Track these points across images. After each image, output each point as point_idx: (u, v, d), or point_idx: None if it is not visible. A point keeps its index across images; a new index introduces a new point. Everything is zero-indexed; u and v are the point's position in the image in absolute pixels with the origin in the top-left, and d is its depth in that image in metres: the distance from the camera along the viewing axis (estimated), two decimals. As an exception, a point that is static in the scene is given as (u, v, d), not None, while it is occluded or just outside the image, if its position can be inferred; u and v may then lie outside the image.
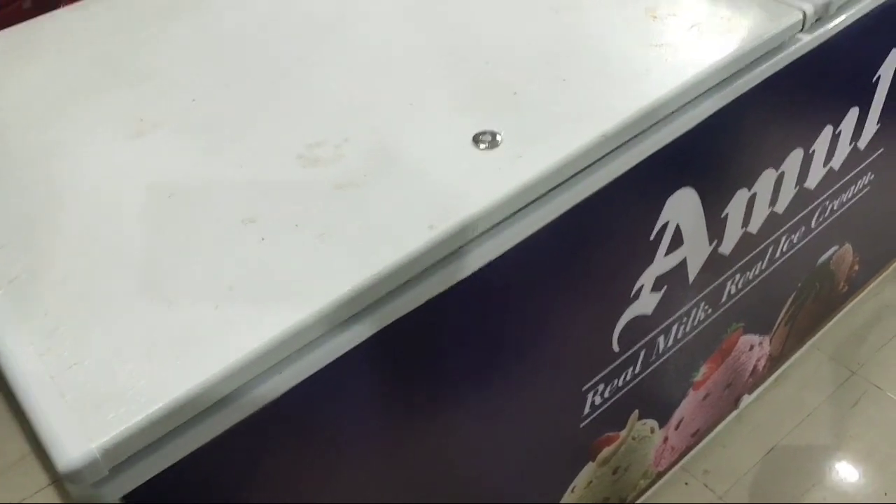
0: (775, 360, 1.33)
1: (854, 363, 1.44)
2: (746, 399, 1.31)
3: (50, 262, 0.57)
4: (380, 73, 0.71)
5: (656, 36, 0.74)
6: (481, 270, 0.62)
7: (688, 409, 1.14)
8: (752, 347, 1.19)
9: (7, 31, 0.81)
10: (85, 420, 0.47)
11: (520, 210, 0.62)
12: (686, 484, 1.29)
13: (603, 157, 0.66)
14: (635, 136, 0.68)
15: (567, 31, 0.75)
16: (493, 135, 0.64)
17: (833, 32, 0.83)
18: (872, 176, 1.16)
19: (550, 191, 0.63)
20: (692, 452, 1.27)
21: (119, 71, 0.75)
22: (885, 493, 1.27)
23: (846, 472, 1.30)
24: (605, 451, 1.01)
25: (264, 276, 0.54)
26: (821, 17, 0.80)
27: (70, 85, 0.74)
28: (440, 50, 0.74)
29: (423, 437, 0.73)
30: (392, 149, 0.64)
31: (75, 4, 0.84)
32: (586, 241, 0.72)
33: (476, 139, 0.64)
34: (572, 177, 0.64)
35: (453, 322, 0.65)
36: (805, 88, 0.87)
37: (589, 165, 0.65)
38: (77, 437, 0.46)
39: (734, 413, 1.31)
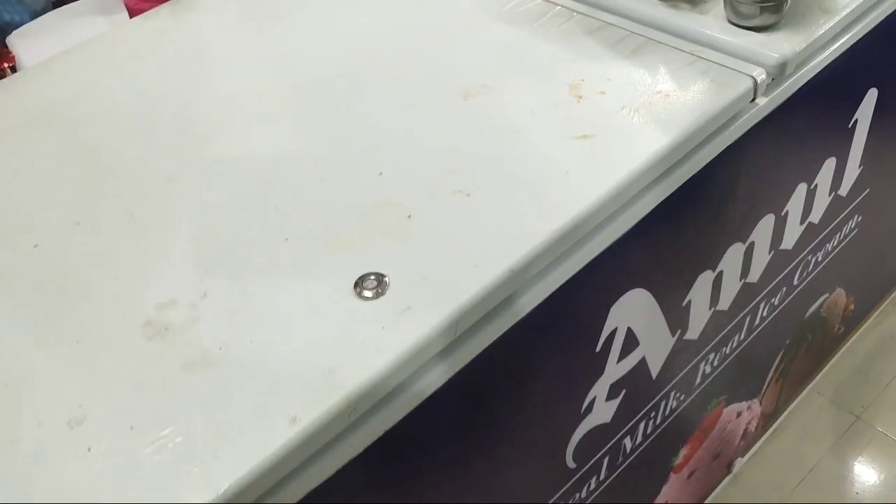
0: (769, 417, 1.22)
1: (857, 406, 1.33)
2: (740, 462, 1.20)
3: None
4: (252, 196, 0.60)
5: (580, 123, 0.63)
6: (377, 442, 0.51)
7: (671, 492, 1.03)
8: (739, 414, 1.08)
9: None
10: None
11: (415, 373, 0.51)
12: (680, 561, 1.18)
13: (513, 292, 0.55)
14: (555, 260, 0.57)
15: (476, 125, 0.64)
16: (381, 278, 0.53)
17: (794, 89, 0.72)
18: (860, 218, 1.05)
19: (452, 343, 0.52)
20: (684, 527, 1.16)
21: (-41, 208, 0.64)
22: (899, 557, 1.16)
23: (855, 536, 1.19)
24: (577, 561, 0.90)
25: (91, 490, 0.44)
26: (776, 78, 0.69)
27: None
28: (328, 159, 0.63)
29: None
30: (256, 306, 0.53)
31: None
32: (513, 371, 0.61)
33: (359, 285, 0.53)
34: (479, 320, 0.54)
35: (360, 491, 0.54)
36: (768, 154, 0.76)
37: (501, 302, 0.54)
38: None
39: (728, 478, 1.20)
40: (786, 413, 1.28)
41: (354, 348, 0.49)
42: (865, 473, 1.25)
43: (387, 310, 0.51)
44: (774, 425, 1.26)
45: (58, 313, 0.54)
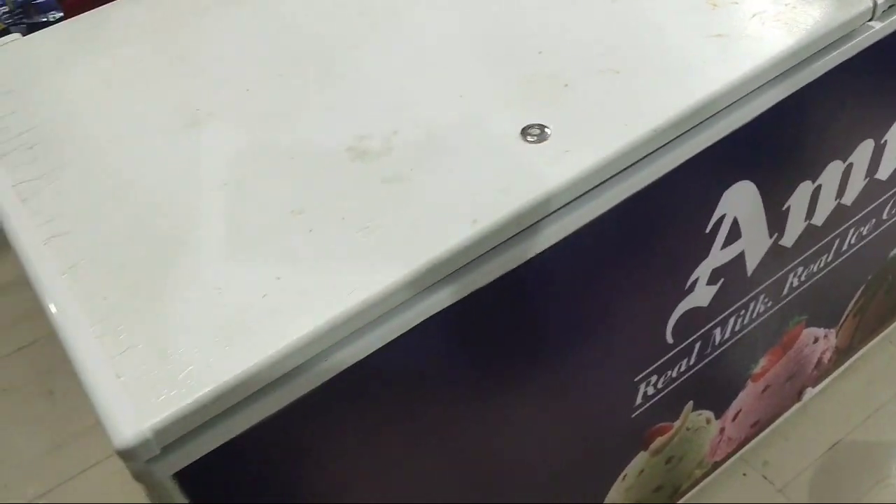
0: (842, 353, 1.30)
1: (928, 357, 1.40)
2: (810, 392, 1.28)
3: (108, 248, 0.59)
4: (431, 63, 0.72)
5: (715, 26, 0.72)
6: (530, 262, 0.62)
7: (746, 401, 1.12)
8: (816, 340, 1.16)
9: (74, 19, 0.84)
10: (138, 401, 0.49)
11: (567, 204, 0.62)
12: (744, 475, 1.28)
13: (654, 151, 0.65)
14: (689, 131, 0.67)
15: (622, 21, 0.74)
16: (542, 128, 0.64)
17: (908, 19, 0.80)
18: (952, 164, 1.11)
19: (600, 185, 0.63)
20: (751, 443, 1.26)
21: (179, 60, 0.77)
22: (955, 494, 1.23)
23: (914, 470, 1.26)
24: (658, 441, 1.00)
25: (311, 266, 0.56)
26: (894, 4, 0.77)
27: (132, 74, 0.76)
28: (493, 40, 0.74)
29: (476, 421, 0.74)
30: (440, 141, 0.64)
31: (143, -7, 0.87)
32: (638, 233, 0.71)
33: (525, 133, 0.64)
34: (623, 171, 0.64)
35: (498, 313, 0.65)
36: (876, 78, 0.84)
37: (640, 160, 0.65)
38: (131, 418, 0.49)
39: (797, 405, 1.29)
40: (858, 355, 1.36)
41: (522, 176, 0.60)
42: (930, 417, 1.32)
43: (549, 151, 0.62)
44: (846, 364, 1.34)
45: (270, 137, 0.67)
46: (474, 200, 0.59)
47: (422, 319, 0.58)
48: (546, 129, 0.64)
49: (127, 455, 0.49)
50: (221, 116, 0.70)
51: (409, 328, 0.57)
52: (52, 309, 0.56)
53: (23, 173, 0.68)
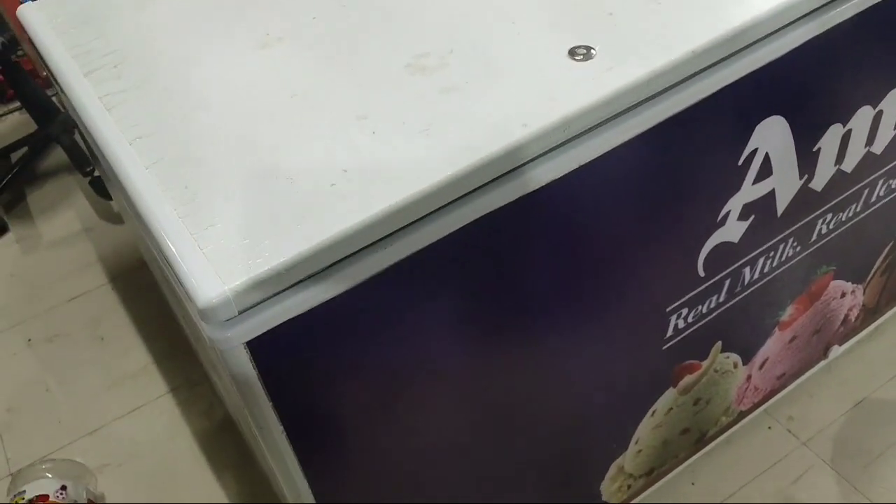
0: (870, 313, 1.33)
1: (955, 324, 1.42)
2: (837, 350, 1.32)
3: (188, 147, 0.65)
4: (484, -5, 0.77)
5: (753, -37, 0.77)
6: (574, 173, 0.67)
7: (773, 349, 1.16)
8: (843, 294, 1.20)
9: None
10: (219, 268, 0.55)
11: (610, 119, 0.66)
12: (769, 428, 1.31)
13: (692, 75, 0.70)
14: (726, 58, 0.71)
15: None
16: (588, 49, 0.69)
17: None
18: (983, 126, 1.14)
19: (640, 103, 0.68)
20: (777, 397, 1.29)
21: (250, -8, 0.83)
22: (978, 452, 1.26)
23: (937, 427, 1.29)
24: (687, 379, 1.04)
25: (374, 161, 0.61)
26: (925, -50, 0.81)
27: (207, 6, 0.82)
28: (543, -25, 0.79)
29: (508, 344, 0.79)
30: (493, 59, 0.69)
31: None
32: (674, 157, 0.76)
33: (572, 52, 0.68)
34: (662, 92, 0.68)
35: (542, 223, 0.70)
36: (907, 24, 0.87)
37: (680, 82, 0.69)
38: (213, 280, 0.54)
39: (823, 362, 1.32)
40: (886, 317, 1.39)
41: (569, 89, 0.65)
42: (955, 378, 1.35)
43: (594, 69, 0.67)
44: (873, 325, 1.37)
45: (335, 56, 0.72)
46: (524, 108, 0.64)
47: (474, 218, 0.63)
48: (592, 50, 0.68)
49: (208, 314, 0.54)
50: (290, 40, 0.76)
51: (463, 224, 0.62)
52: (140, 195, 0.62)
53: (108, 87, 0.73)
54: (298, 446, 0.68)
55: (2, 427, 1.51)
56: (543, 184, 0.65)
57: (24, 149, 2.10)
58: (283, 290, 0.57)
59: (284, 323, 0.59)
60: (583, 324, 0.85)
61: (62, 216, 1.96)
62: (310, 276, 0.58)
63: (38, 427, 1.50)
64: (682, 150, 0.76)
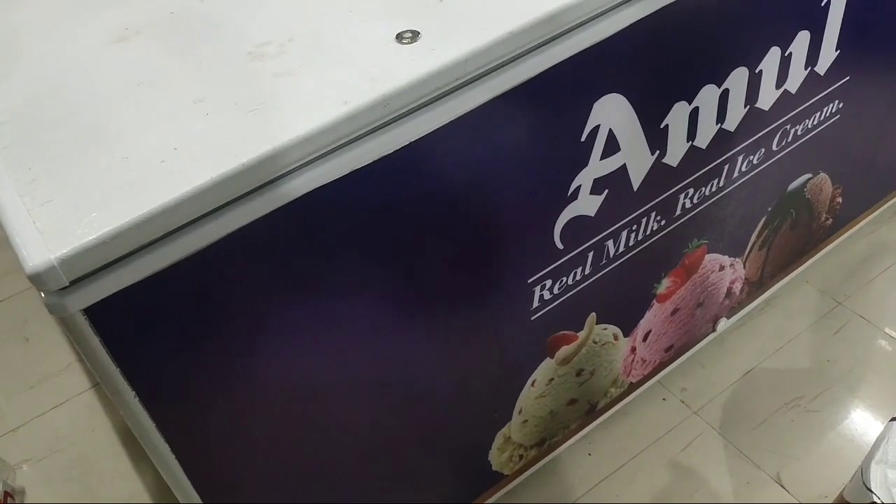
0: (754, 286, 1.39)
1: (841, 295, 1.49)
2: (725, 322, 1.38)
3: (37, 133, 0.70)
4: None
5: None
6: (405, 149, 0.72)
7: (655, 321, 1.22)
8: (722, 268, 1.26)
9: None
10: (49, 239, 0.59)
11: (436, 98, 0.72)
12: (664, 399, 1.37)
13: (519, 56, 0.75)
14: (551, 40, 0.77)
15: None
16: (415, 33, 0.74)
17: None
18: (841, 104, 1.21)
19: (468, 82, 0.73)
20: (669, 369, 1.35)
21: (116, -10, 0.87)
22: (857, 411, 1.32)
23: (818, 391, 1.35)
24: (564, 350, 1.10)
25: (203, 139, 0.66)
26: (745, -63, 0.87)
27: (73, 5, 0.87)
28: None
29: (380, 320, 0.84)
30: (327, 46, 0.74)
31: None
32: (512, 133, 0.81)
33: (399, 37, 0.74)
34: (488, 72, 0.74)
35: (382, 197, 0.75)
36: (746, 7, 0.93)
37: (506, 63, 0.75)
38: (41, 250, 0.58)
39: (712, 335, 1.39)
40: (773, 291, 1.46)
41: (392, 69, 0.70)
42: (838, 345, 1.42)
43: (419, 51, 0.72)
44: (761, 298, 1.44)
45: (186, 48, 0.77)
46: (349, 87, 0.69)
47: (302, 194, 0.68)
48: (418, 34, 0.74)
49: (37, 281, 0.59)
50: (146, 33, 0.80)
51: (295, 197, 0.67)
52: (-15, 177, 0.66)
53: (-30, 81, 0.78)
54: (154, 410, 0.72)
55: (-74, 429, 1.53)
56: (367, 163, 0.70)
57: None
58: (116, 262, 0.62)
59: (120, 292, 0.63)
60: (449, 296, 0.90)
61: (-9, 223, 1.98)
62: (141, 248, 0.62)
63: (-38, 426, 1.52)
64: (521, 126, 0.81)
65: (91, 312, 0.63)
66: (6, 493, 1.32)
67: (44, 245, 0.59)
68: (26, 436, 1.49)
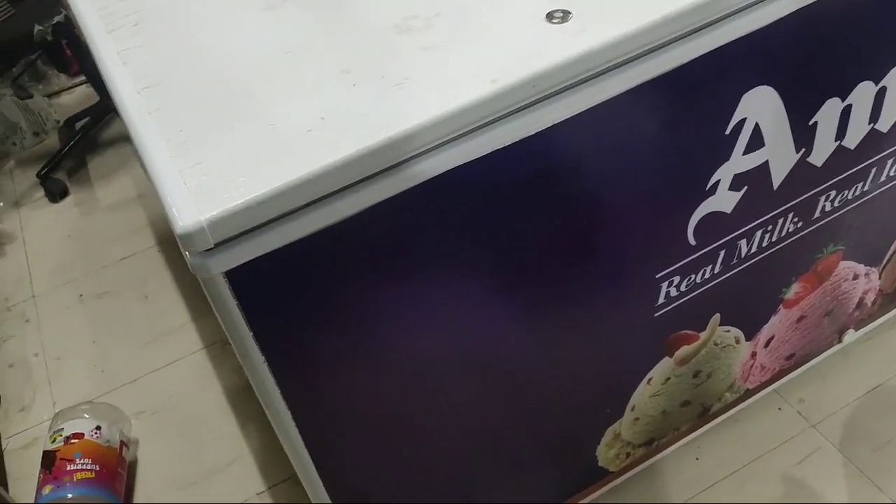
0: (888, 299, 1.32)
1: (982, 315, 1.39)
2: (852, 334, 1.31)
3: (189, 97, 0.71)
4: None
5: (741, -65, 0.78)
6: (548, 132, 0.70)
7: (779, 328, 1.16)
8: (856, 277, 1.20)
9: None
10: (199, 200, 0.60)
11: (583, 80, 0.70)
12: (779, 409, 1.32)
13: (670, 42, 0.72)
14: (705, 27, 0.73)
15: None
16: (565, 13, 0.72)
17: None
18: None
19: (617, 66, 0.70)
20: (788, 378, 1.30)
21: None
22: None
23: (952, 416, 1.27)
24: (684, 350, 1.06)
25: (350, 111, 0.66)
26: (923, -76, 0.81)
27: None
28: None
29: (494, 302, 0.83)
30: (475, 23, 0.73)
31: None
32: (656, 122, 0.78)
33: (549, 16, 0.72)
34: (638, 56, 0.71)
35: (517, 180, 0.73)
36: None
37: (656, 48, 0.72)
38: (192, 211, 0.60)
39: (838, 346, 1.32)
40: (907, 306, 1.37)
41: (542, 48, 0.68)
42: (975, 369, 1.33)
43: (569, 30, 0.70)
44: (893, 312, 1.36)
45: (332, 18, 0.77)
46: (497, 65, 0.67)
47: (449, 168, 0.67)
48: (569, 14, 0.72)
49: (186, 241, 0.60)
50: (294, 2, 0.81)
51: (437, 174, 0.67)
52: (140, 136, 0.68)
53: (127, 43, 0.80)
54: (279, 376, 0.73)
55: (51, 374, 1.61)
56: (506, 144, 0.69)
57: (87, 119, 2.21)
58: (260, 227, 0.62)
59: (262, 257, 0.64)
60: (572, 286, 0.88)
61: (118, 182, 2.07)
62: (283, 216, 0.63)
63: (83, 375, 1.60)
64: (664, 115, 0.78)
65: (231, 275, 0.64)
66: (122, 443, 1.38)
67: (195, 206, 0.60)
68: (142, 389, 1.55)
